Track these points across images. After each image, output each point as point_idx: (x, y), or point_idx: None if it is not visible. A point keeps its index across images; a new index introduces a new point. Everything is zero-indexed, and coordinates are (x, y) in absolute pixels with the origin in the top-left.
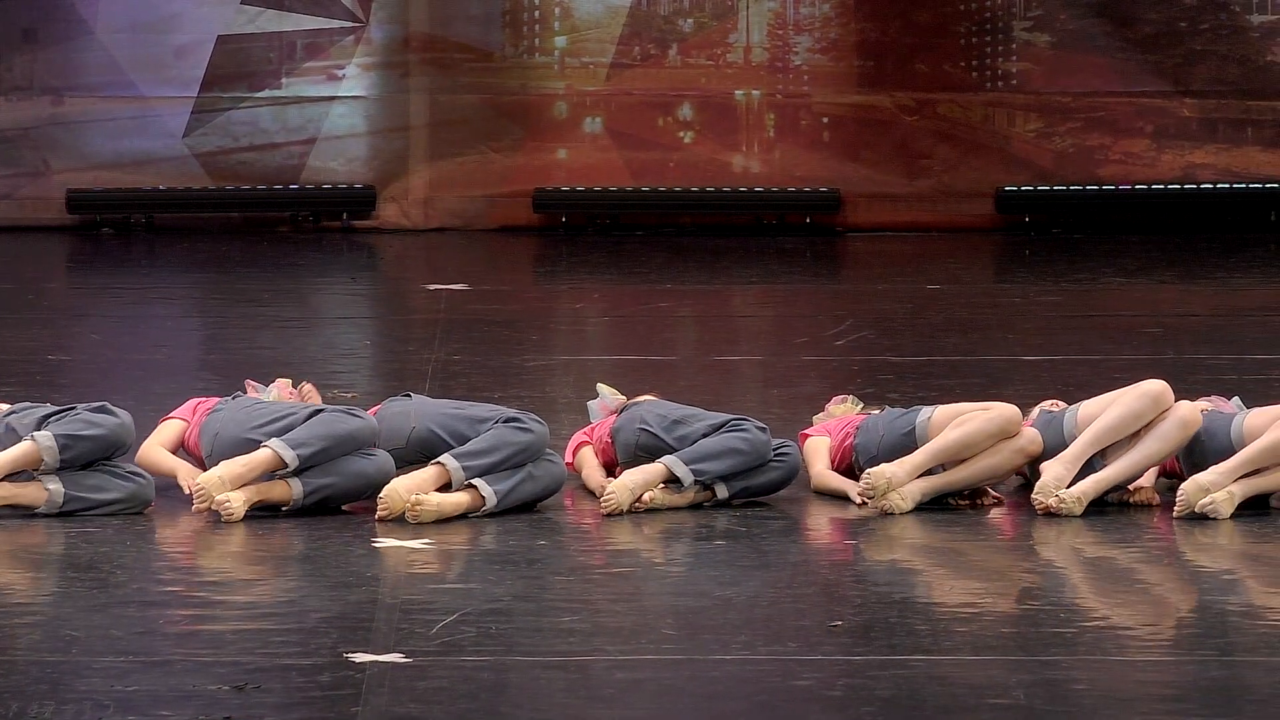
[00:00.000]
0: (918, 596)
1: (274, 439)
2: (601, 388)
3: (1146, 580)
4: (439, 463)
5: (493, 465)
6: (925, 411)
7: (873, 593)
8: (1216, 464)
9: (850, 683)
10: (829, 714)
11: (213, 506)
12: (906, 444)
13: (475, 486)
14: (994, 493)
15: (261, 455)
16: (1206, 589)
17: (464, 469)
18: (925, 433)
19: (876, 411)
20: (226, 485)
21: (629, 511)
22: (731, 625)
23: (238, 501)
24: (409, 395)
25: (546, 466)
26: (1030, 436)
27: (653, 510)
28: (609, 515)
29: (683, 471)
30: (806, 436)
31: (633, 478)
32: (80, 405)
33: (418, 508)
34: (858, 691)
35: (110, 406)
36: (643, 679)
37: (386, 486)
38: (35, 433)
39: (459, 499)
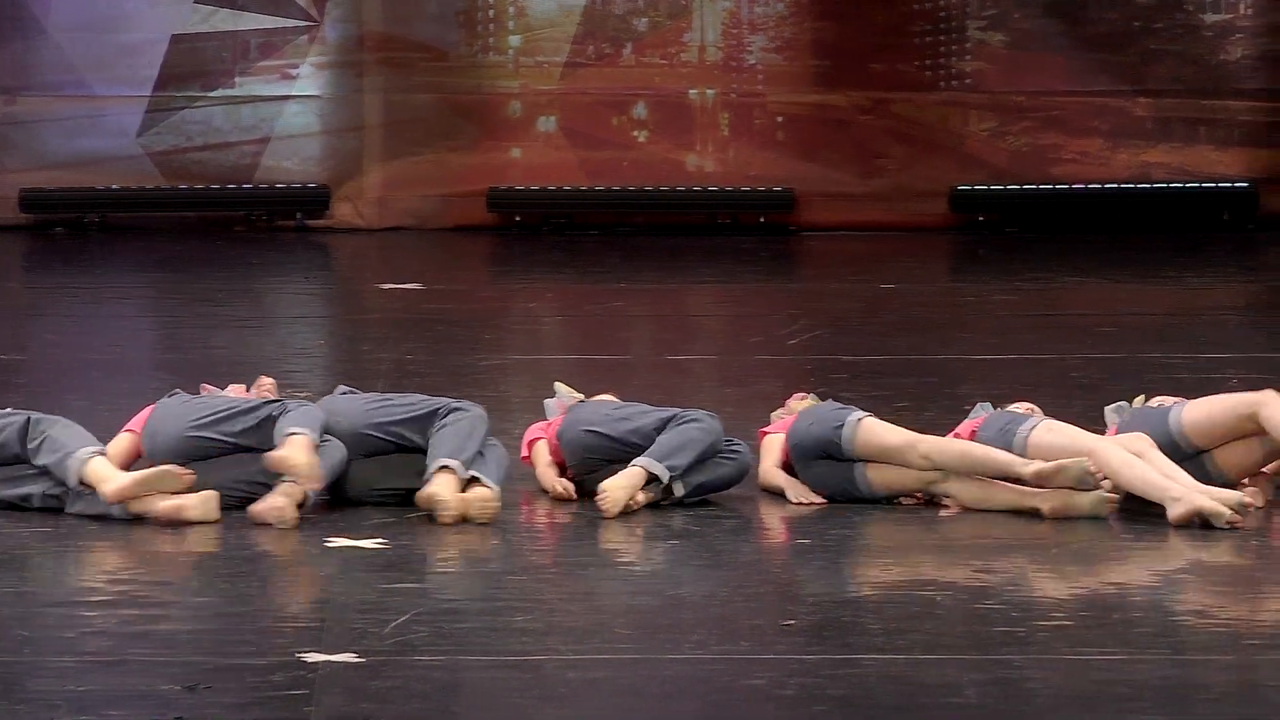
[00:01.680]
0: (870, 595)
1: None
2: (559, 386)
3: (1100, 579)
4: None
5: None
6: (856, 415)
7: (825, 592)
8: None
9: (803, 682)
10: (782, 713)
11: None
12: (831, 439)
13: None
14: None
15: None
16: (1158, 588)
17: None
18: (853, 435)
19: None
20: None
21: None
22: (685, 624)
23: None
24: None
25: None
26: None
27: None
28: (608, 516)
29: (660, 469)
30: (765, 434)
31: (622, 481)
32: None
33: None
34: (811, 690)
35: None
36: (596, 678)
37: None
38: None
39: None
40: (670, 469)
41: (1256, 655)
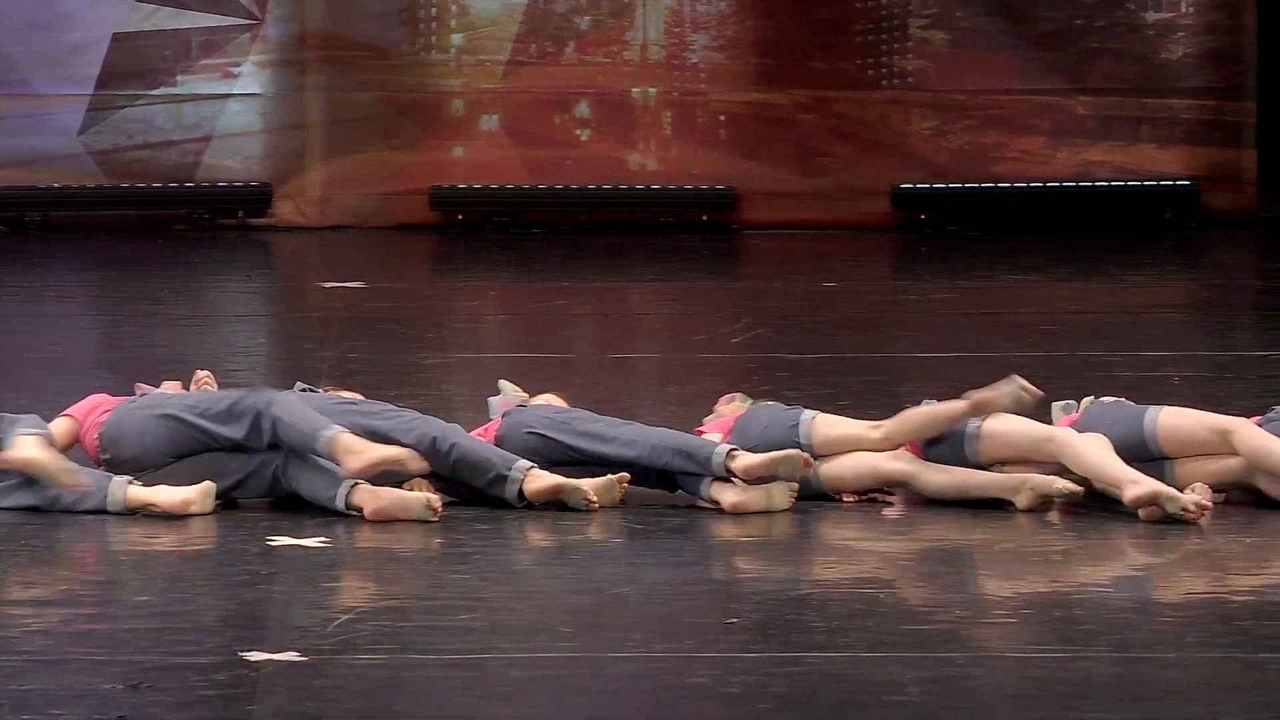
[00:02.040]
0: (813, 593)
1: None
2: (504, 384)
3: (1043, 577)
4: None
5: None
6: (809, 413)
7: (768, 590)
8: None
9: (746, 680)
10: (725, 711)
11: None
12: (790, 438)
13: None
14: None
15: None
16: (1102, 585)
17: None
18: (809, 431)
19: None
20: None
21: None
22: (628, 623)
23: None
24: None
25: None
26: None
27: (559, 507)
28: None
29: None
30: (700, 434)
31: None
32: None
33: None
34: (754, 689)
35: None
36: (539, 677)
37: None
38: None
39: None
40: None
41: (1199, 653)
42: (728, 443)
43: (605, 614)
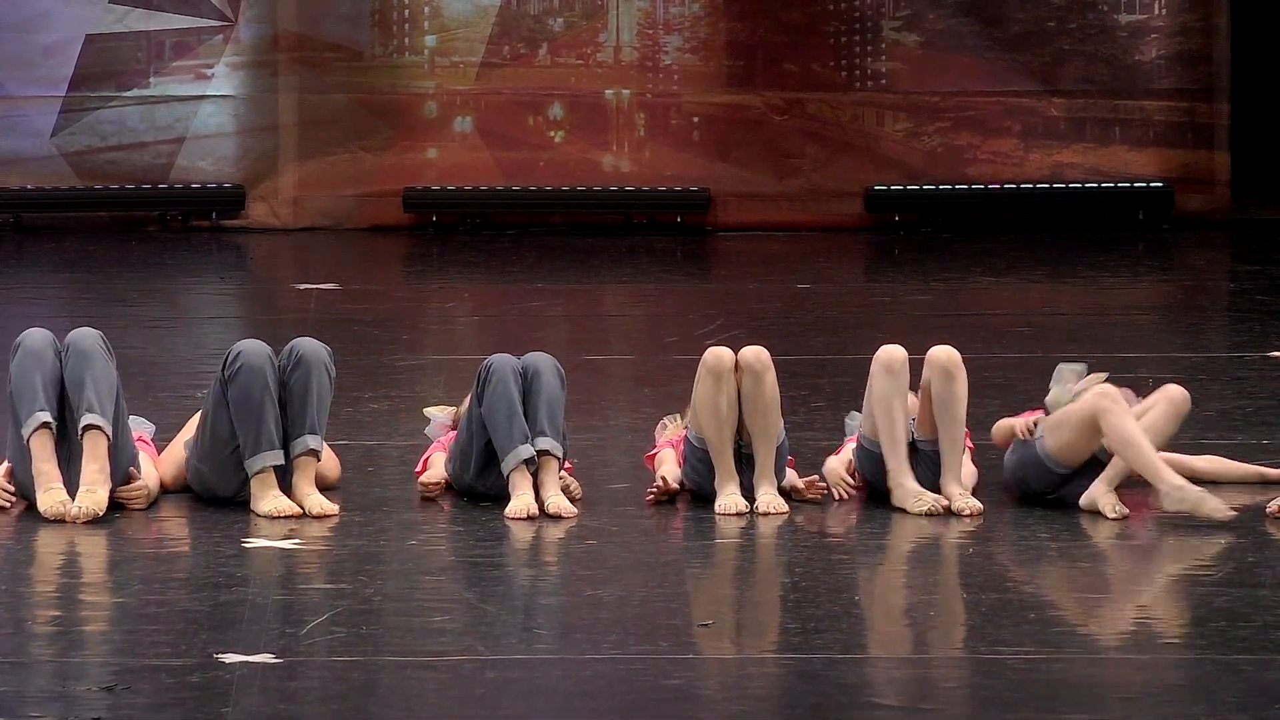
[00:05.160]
0: (788, 596)
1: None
2: (429, 411)
3: (1016, 579)
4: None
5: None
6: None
7: (744, 592)
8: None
9: (721, 682)
10: (700, 712)
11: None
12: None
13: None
14: (819, 485)
15: None
16: (1077, 588)
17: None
18: None
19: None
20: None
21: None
22: (603, 624)
23: None
24: None
25: None
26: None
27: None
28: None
29: (552, 444)
30: (652, 457)
31: (550, 492)
32: None
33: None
34: (729, 691)
35: None
36: (514, 678)
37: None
38: None
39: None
40: (563, 439)
41: (1173, 654)
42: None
43: (580, 615)
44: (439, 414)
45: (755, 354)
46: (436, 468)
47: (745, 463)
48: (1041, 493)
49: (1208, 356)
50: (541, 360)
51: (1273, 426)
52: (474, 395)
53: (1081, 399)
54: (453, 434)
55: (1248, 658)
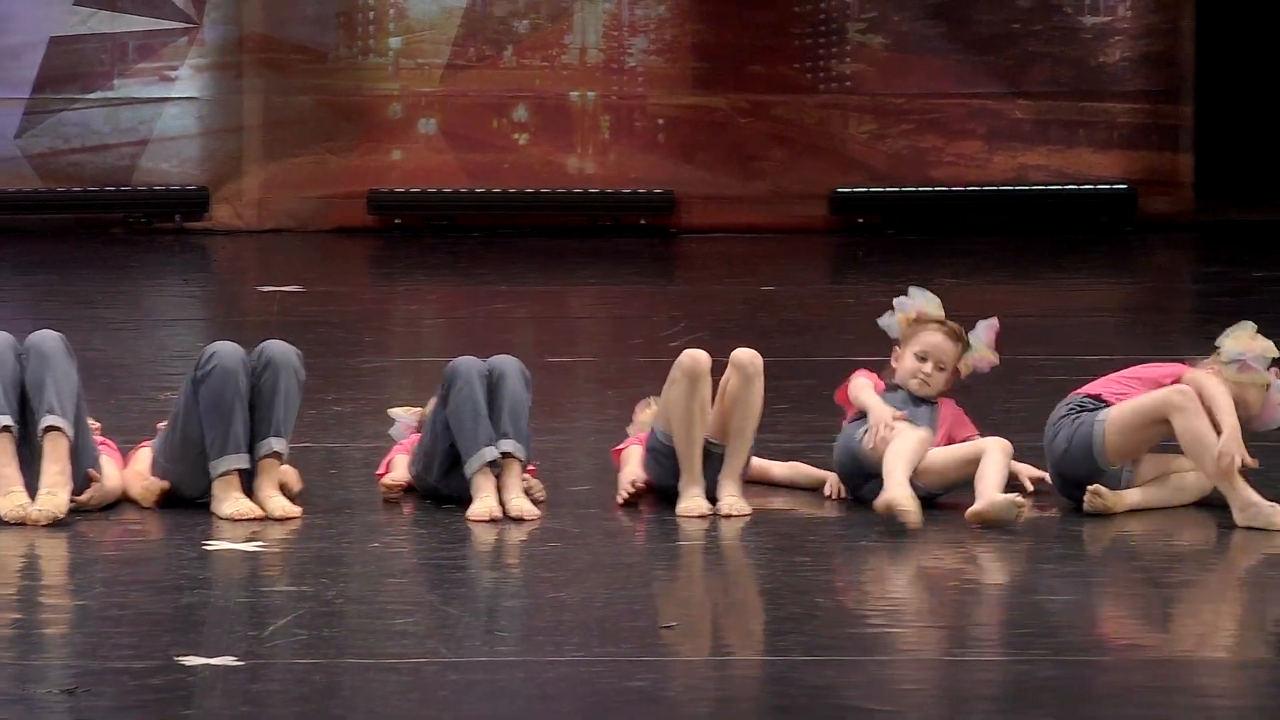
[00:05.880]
0: (750, 598)
1: None
2: (393, 411)
3: (978, 581)
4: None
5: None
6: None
7: (706, 594)
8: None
9: (685, 683)
10: (663, 714)
11: None
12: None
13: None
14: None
15: None
16: (1039, 589)
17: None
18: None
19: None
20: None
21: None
22: (565, 626)
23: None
24: None
25: None
26: (746, 358)
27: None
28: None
29: (515, 447)
30: (619, 452)
31: (513, 494)
32: None
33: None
34: (692, 692)
35: None
36: (476, 680)
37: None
38: None
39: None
40: (527, 441)
41: (1134, 655)
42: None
43: (542, 617)
44: (404, 415)
45: (750, 357)
46: (399, 469)
47: (711, 462)
48: (1076, 480)
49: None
50: (507, 363)
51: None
52: (439, 397)
53: (1154, 394)
54: (416, 436)
55: (1209, 658)
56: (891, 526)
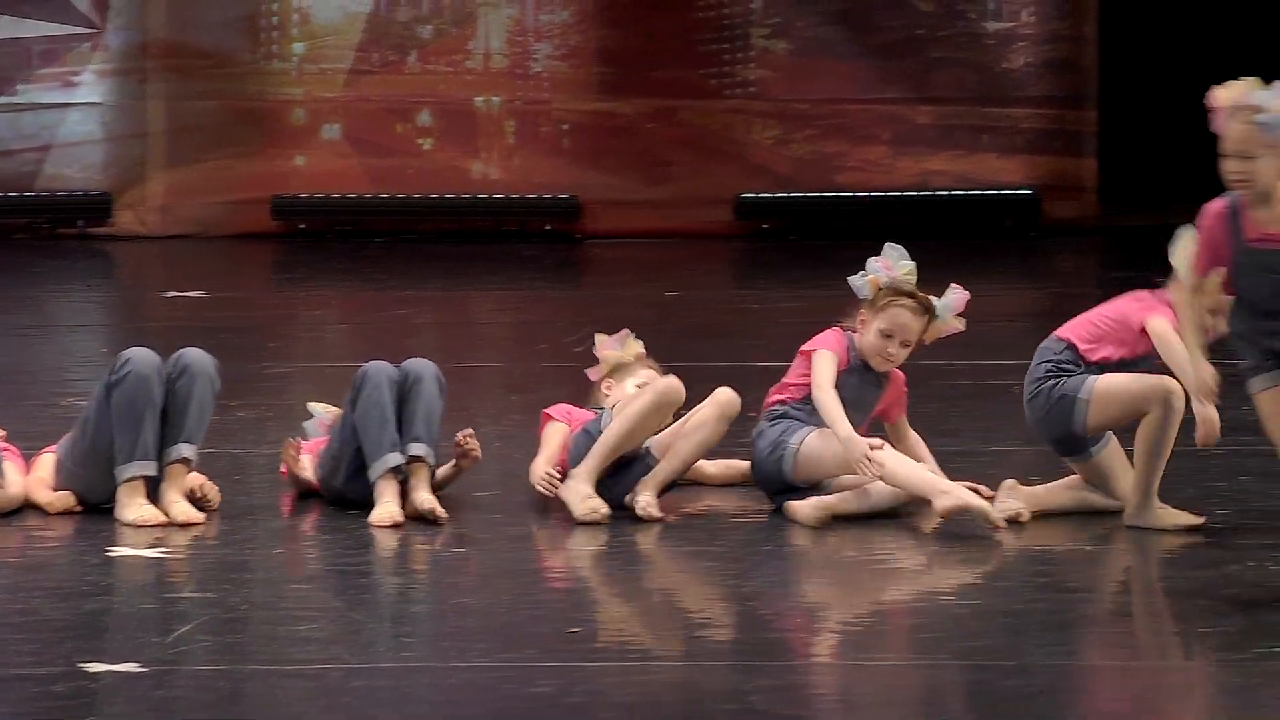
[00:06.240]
0: (656, 603)
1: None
2: (312, 406)
3: (883, 585)
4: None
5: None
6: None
7: (611, 599)
8: None
9: (589, 689)
10: None
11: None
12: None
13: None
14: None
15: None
16: (945, 594)
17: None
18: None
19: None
20: None
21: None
22: (470, 632)
23: None
24: None
25: None
26: (728, 398)
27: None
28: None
29: (426, 450)
30: (549, 418)
31: (421, 494)
32: None
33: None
34: (596, 698)
35: None
36: (380, 686)
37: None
38: None
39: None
40: (432, 442)
41: (1042, 660)
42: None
43: (447, 623)
44: (321, 411)
45: (730, 398)
46: (307, 470)
47: (638, 467)
48: (1055, 440)
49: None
50: (423, 367)
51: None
52: (348, 401)
53: (1142, 383)
54: (325, 440)
55: (1113, 664)
56: (802, 531)
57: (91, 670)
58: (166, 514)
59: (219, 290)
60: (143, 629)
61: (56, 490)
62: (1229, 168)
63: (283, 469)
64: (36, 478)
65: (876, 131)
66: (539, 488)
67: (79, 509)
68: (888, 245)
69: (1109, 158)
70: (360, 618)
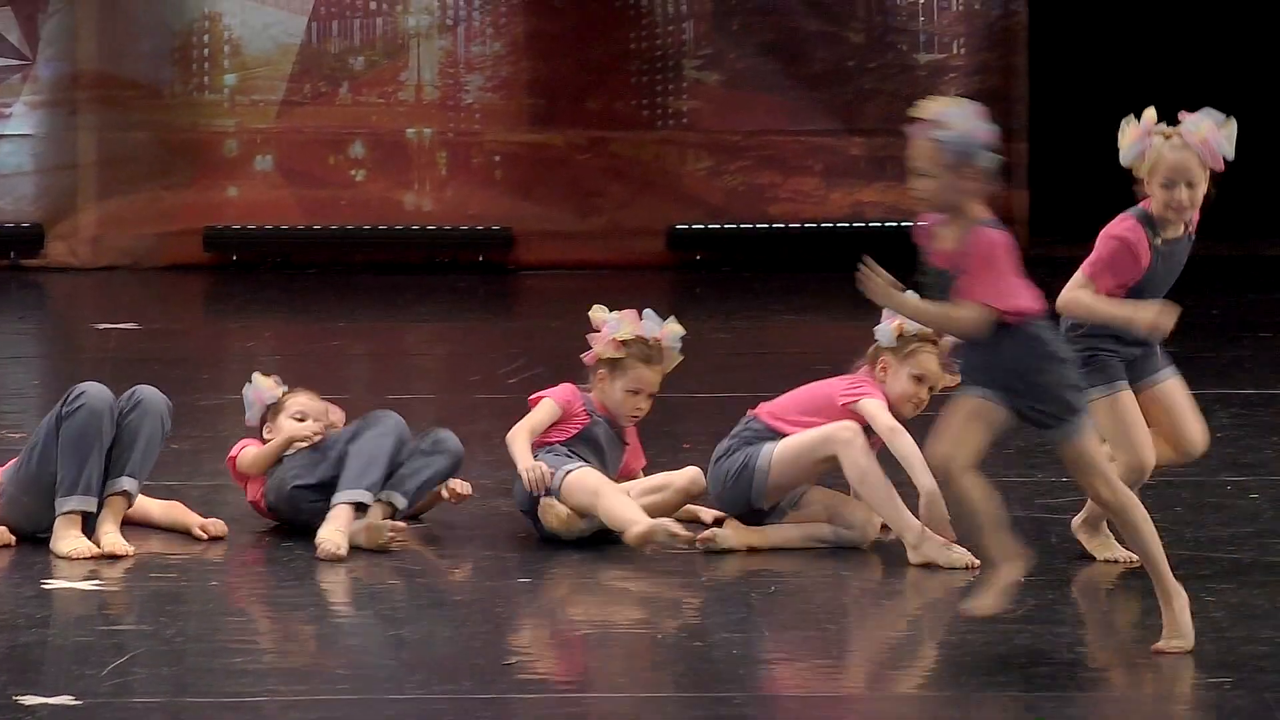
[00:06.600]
0: (593, 634)
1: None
2: (257, 376)
3: (818, 616)
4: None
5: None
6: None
7: (548, 630)
8: None
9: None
10: None
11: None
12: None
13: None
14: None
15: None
16: (873, 624)
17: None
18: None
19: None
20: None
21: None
22: (406, 664)
23: None
24: None
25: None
26: (692, 477)
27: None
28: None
29: (362, 495)
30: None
31: (333, 525)
32: None
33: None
34: None
35: None
36: (316, 719)
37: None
38: None
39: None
40: (370, 489)
41: (978, 691)
42: None
43: (382, 655)
44: (264, 384)
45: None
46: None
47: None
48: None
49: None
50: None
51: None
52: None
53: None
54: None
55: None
56: (734, 560)
57: (25, 703)
58: (98, 545)
59: (151, 322)
60: (78, 661)
61: None
62: (911, 184)
63: (231, 455)
64: None
65: (809, 163)
66: (525, 477)
67: (10, 542)
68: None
69: (1040, 189)
70: (294, 649)
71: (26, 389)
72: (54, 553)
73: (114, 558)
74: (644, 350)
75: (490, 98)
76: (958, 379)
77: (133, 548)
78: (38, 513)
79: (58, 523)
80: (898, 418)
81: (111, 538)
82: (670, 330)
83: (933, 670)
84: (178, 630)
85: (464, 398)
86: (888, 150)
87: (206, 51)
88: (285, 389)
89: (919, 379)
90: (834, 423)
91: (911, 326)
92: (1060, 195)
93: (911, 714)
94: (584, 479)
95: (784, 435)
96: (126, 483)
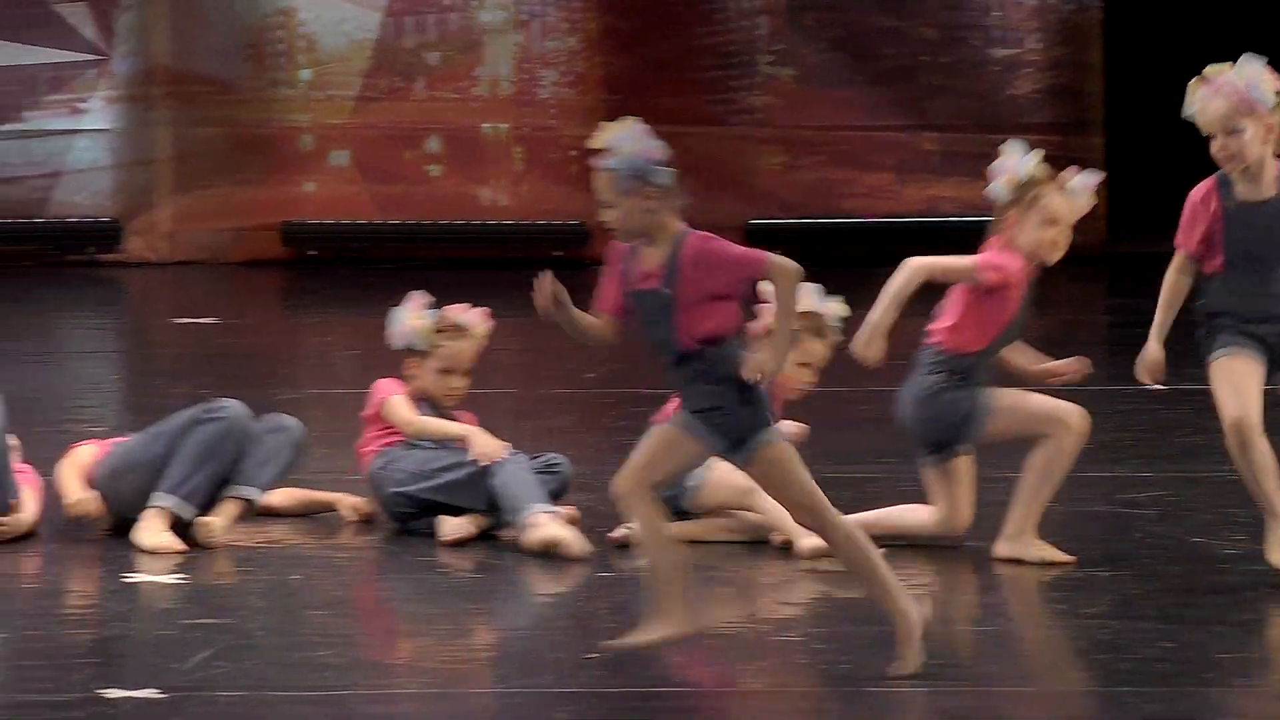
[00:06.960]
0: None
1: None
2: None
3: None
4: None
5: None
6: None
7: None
8: None
9: (605, 715)
10: None
11: None
12: None
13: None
14: None
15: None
16: (963, 619)
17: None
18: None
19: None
20: None
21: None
22: (488, 658)
23: None
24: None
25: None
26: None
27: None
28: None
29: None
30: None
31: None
32: None
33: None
34: None
35: None
36: (398, 713)
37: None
38: None
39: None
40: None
41: (1056, 687)
42: None
43: (465, 650)
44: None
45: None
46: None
47: None
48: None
49: (1086, 390)
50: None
51: (1150, 459)
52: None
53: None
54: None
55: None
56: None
57: (109, 697)
58: (201, 532)
59: (229, 316)
60: (161, 655)
61: (87, 487)
62: (601, 217)
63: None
64: (70, 464)
65: (881, 158)
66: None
67: (98, 516)
68: (1006, 147)
69: (1116, 184)
70: (378, 644)
71: (105, 383)
72: (135, 544)
73: (196, 550)
74: (815, 324)
75: (565, 93)
76: None
77: (220, 543)
78: (133, 495)
79: (147, 514)
80: (1043, 265)
81: (206, 529)
82: (832, 309)
83: (1016, 662)
84: (260, 624)
85: (541, 392)
86: (961, 146)
87: (281, 47)
88: (434, 317)
89: (1051, 222)
90: (1069, 408)
91: (1024, 173)
92: (1137, 191)
93: (1005, 708)
94: (733, 475)
95: (965, 354)
96: (250, 491)
